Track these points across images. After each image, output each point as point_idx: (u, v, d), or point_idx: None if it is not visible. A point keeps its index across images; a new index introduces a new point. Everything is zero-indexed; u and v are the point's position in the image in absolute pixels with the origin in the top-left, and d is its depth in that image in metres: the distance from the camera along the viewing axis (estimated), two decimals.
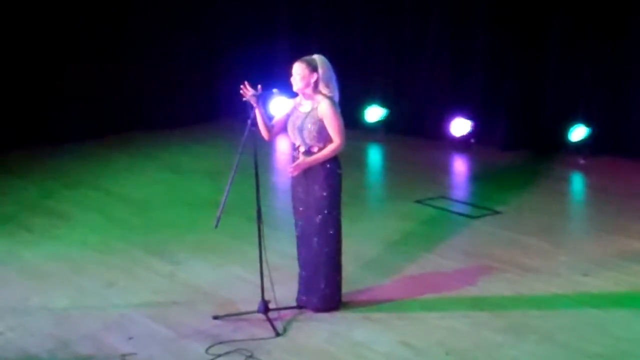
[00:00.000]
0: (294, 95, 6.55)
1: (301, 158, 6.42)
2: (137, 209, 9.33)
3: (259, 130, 6.48)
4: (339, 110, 6.42)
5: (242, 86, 6.37)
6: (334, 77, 6.45)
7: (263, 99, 6.49)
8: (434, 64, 12.03)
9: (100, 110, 12.53)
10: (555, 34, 11.05)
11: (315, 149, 6.45)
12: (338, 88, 6.50)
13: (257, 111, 6.40)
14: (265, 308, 6.42)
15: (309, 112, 6.42)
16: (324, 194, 6.45)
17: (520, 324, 6.39)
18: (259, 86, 6.38)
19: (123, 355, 6.05)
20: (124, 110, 12.72)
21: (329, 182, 6.44)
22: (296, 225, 6.69)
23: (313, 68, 6.38)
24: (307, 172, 6.48)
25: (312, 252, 6.58)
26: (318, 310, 6.60)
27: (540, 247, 7.96)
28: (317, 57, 6.44)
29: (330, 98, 6.41)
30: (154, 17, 12.84)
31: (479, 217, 8.89)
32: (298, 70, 6.40)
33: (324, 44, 11.54)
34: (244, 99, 6.38)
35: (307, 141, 6.43)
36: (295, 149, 6.56)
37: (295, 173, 6.46)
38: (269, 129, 6.56)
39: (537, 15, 11.10)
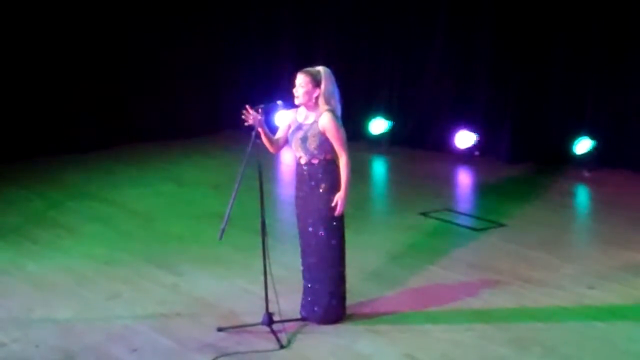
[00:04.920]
0: (297, 107, 6.53)
1: (336, 196, 6.39)
2: (141, 220, 9.34)
3: (264, 144, 6.46)
4: (340, 123, 6.41)
5: (244, 111, 6.32)
6: (336, 92, 6.40)
7: (267, 115, 6.45)
8: (439, 77, 12.05)
9: (104, 123, 12.59)
10: (560, 46, 11.07)
11: (316, 161, 6.43)
12: (340, 102, 6.46)
13: (261, 131, 6.36)
14: (269, 320, 6.41)
15: (311, 124, 6.40)
16: (328, 206, 6.44)
17: (524, 337, 6.36)
18: (260, 109, 6.33)
19: None
20: (127, 123, 12.79)
21: (333, 193, 6.44)
22: (300, 237, 6.68)
23: (317, 83, 6.34)
24: (311, 184, 6.47)
25: (316, 264, 6.56)
26: (322, 322, 6.58)
27: (545, 259, 7.95)
28: (322, 71, 6.38)
29: (332, 111, 6.37)
30: (157, 30, 12.89)
31: (483, 229, 8.88)
32: (302, 83, 6.36)
33: (329, 56, 11.56)
34: (246, 124, 6.34)
35: (309, 153, 6.43)
36: (297, 160, 6.57)
37: (342, 211, 6.44)
38: (274, 143, 6.56)
39: (542, 28, 11.11)
